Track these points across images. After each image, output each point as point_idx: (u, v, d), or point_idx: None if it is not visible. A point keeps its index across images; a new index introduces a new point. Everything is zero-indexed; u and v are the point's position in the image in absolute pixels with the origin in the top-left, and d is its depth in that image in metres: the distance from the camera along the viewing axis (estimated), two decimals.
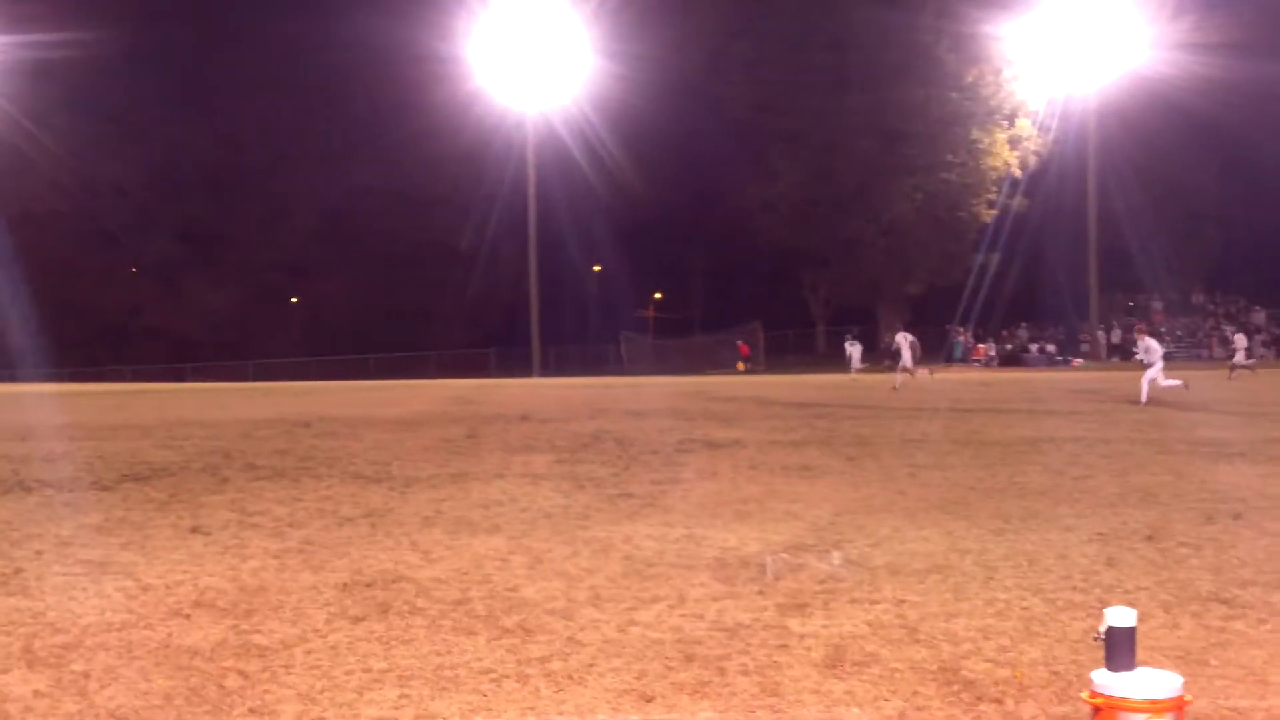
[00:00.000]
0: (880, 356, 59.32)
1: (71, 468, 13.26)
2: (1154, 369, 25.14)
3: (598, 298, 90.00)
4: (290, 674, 4.83)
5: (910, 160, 66.66)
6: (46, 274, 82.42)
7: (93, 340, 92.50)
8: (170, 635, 5.48)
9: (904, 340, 38.16)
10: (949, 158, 67.01)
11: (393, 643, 5.29)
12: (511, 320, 75.29)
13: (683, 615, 5.72)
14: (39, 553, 7.66)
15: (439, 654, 5.09)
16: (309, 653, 5.14)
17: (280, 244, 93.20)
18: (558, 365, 70.45)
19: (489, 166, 73.96)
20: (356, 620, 5.71)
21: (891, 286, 70.38)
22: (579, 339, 79.19)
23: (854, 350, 45.72)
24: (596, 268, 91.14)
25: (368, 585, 6.48)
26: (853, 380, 40.33)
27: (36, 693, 4.62)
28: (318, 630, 5.53)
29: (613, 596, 6.14)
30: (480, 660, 4.98)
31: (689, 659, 4.95)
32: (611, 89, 66.96)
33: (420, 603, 6.06)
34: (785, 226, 71.04)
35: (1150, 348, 25.55)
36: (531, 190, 69.42)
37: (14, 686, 4.71)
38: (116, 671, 4.90)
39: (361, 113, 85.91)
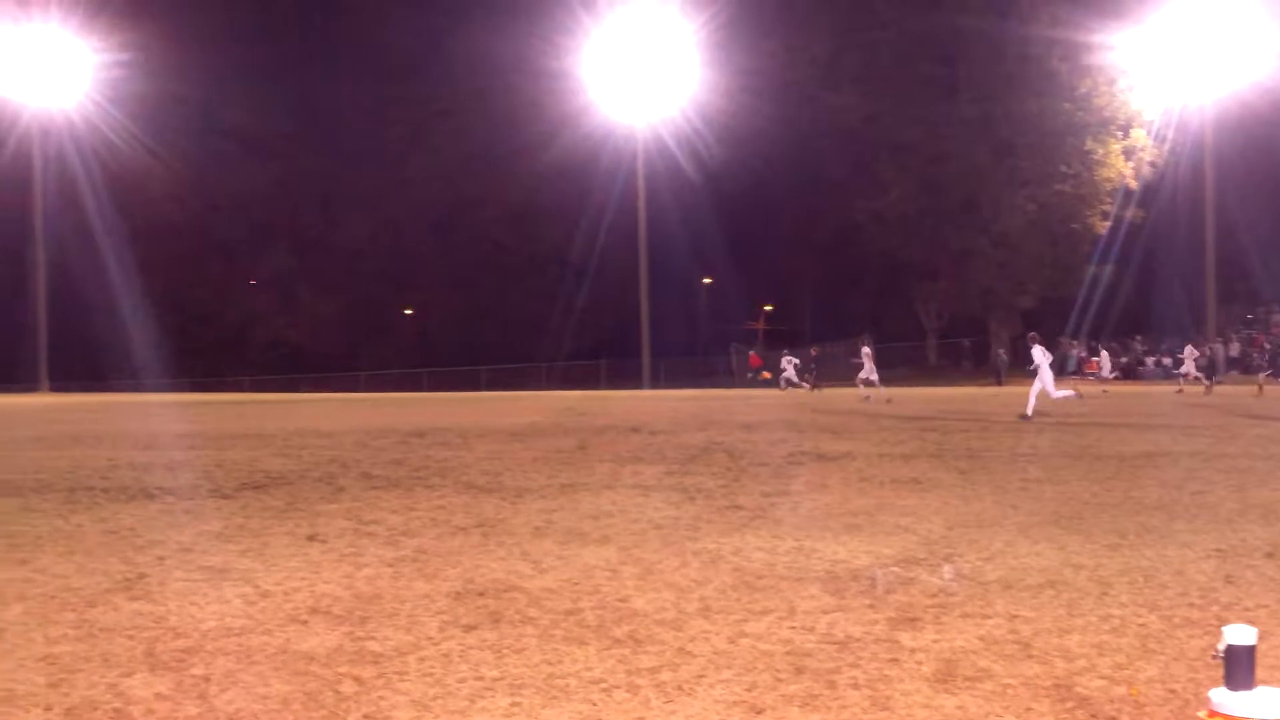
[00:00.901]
0: (991, 369, 58.62)
1: (192, 476, 13.51)
2: (1043, 378, 25.00)
3: (708, 309, 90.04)
4: (404, 680, 4.89)
5: (1022, 171, 65.89)
6: (168, 286, 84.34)
7: (212, 350, 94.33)
8: (288, 641, 5.57)
9: (867, 355, 39.32)
10: (1062, 169, 66.06)
11: (504, 651, 5.33)
12: (622, 332, 75.50)
13: (792, 628, 5.71)
14: (161, 559, 7.82)
15: (550, 663, 5.13)
16: (422, 660, 5.21)
17: (393, 256, 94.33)
18: (668, 377, 70.43)
19: (599, 178, 74.47)
20: (469, 629, 5.76)
21: (1003, 299, 69.53)
22: (689, 351, 79.19)
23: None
24: (707, 280, 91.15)
25: (480, 594, 6.54)
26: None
27: (158, 695, 4.73)
28: (431, 638, 5.59)
29: (722, 608, 6.14)
30: (591, 670, 5.01)
31: (799, 671, 4.93)
32: (720, 101, 67.09)
33: (531, 612, 6.10)
34: (894, 238, 70.61)
35: (1037, 356, 25.29)
36: (641, 202, 69.68)
37: (137, 689, 4.82)
38: (236, 676, 4.99)
39: (473, 125, 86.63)
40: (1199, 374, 44.24)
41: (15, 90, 67.84)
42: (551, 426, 22.66)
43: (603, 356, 78.46)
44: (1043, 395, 24.71)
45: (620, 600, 6.35)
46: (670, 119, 68.52)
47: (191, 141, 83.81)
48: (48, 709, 4.58)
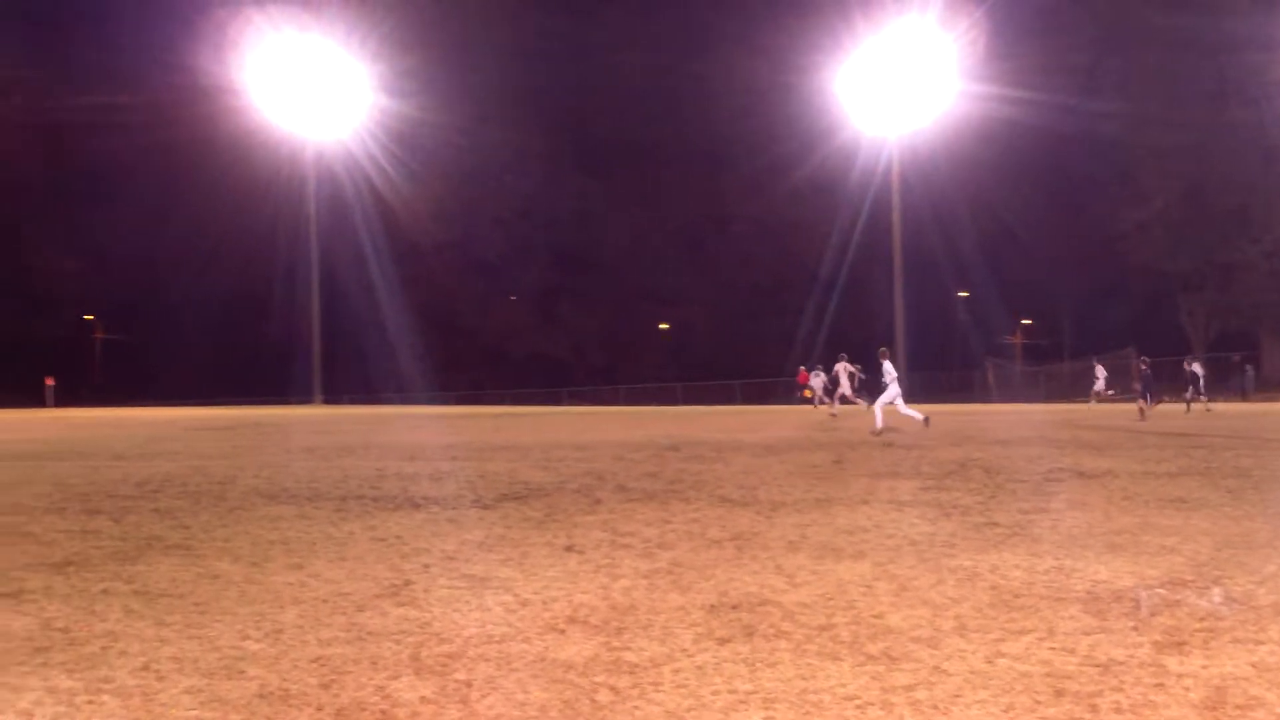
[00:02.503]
0: (1269, 382, 56.15)
1: (456, 486, 13.87)
2: (888, 395, 25.73)
3: (964, 323, 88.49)
4: (659, 691, 4.95)
5: None
6: (431, 302, 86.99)
7: (474, 364, 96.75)
8: (546, 649, 5.69)
9: (843, 370, 39.83)
10: None
11: (758, 665, 5.35)
12: (876, 346, 74.68)
13: (1052, 649, 5.58)
14: (426, 566, 8.07)
15: (803, 678, 5.12)
16: (677, 671, 5.26)
17: (649, 271, 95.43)
18: (924, 391, 69.47)
19: (851, 192, 73.90)
20: (723, 641, 5.79)
21: (1277, 311, 66.46)
22: (944, 365, 78.01)
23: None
24: (963, 293, 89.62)
25: (734, 607, 6.57)
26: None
27: (423, 699, 4.88)
28: (685, 650, 5.64)
29: (979, 626, 6.04)
30: (844, 686, 4.98)
31: (1059, 694, 4.82)
32: (976, 111, 65.91)
33: (785, 626, 6.10)
34: (1158, 248, 68.15)
35: (888, 372, 25.97)
36: (896, 216, 68.83)
37: (403, 692, 4.99)
38: (496, 682, 5.12)
39: (725, 137, 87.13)
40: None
41: (292, 119, 70.78)
42: (805, 441, 22.59)
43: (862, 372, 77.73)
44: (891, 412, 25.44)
45: (875, 616, 6.30)
46: (923, 130, 67.56)
47: (456, 160, 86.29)
48: (319, 709, 4.78)
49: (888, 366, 26.07)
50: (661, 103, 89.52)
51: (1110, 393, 45.60)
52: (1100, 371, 47.43)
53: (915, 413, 26.75)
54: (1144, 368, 38.03)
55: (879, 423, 25.22)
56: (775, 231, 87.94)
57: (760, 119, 79.74)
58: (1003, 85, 64.76)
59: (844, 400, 38.87)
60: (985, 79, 65.14)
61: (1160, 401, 38.45)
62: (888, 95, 65.96)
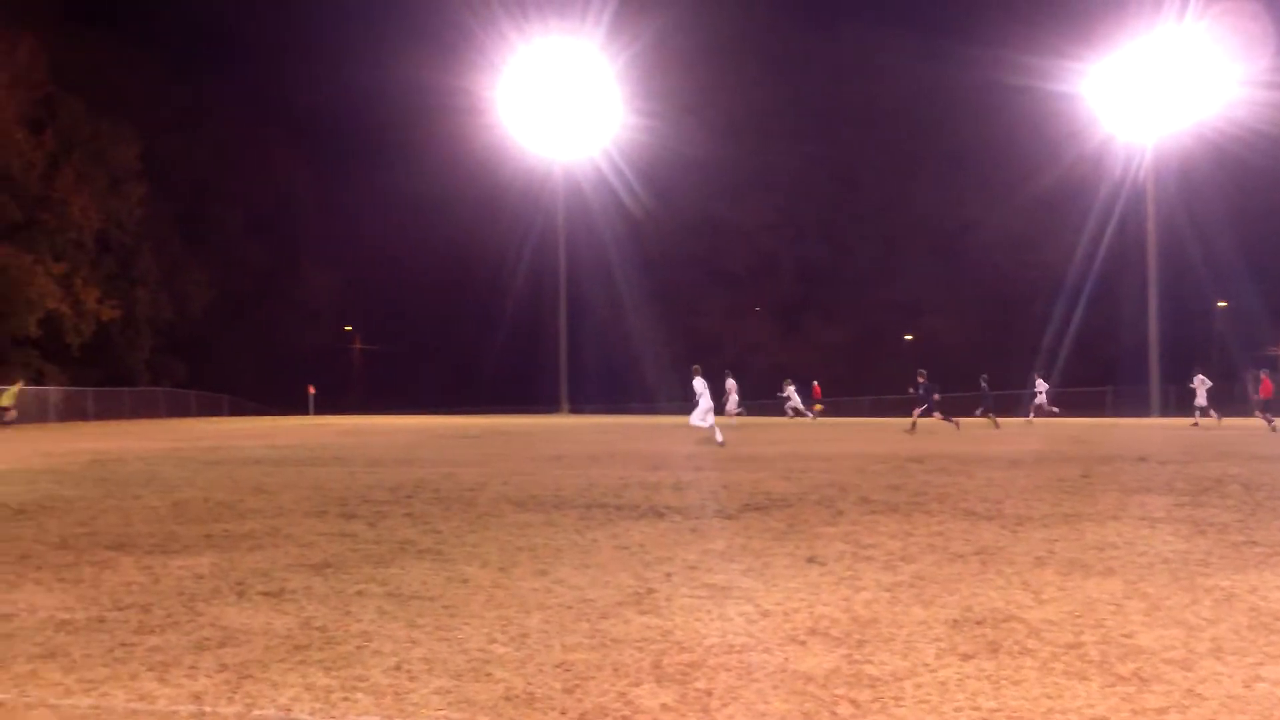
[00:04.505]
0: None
1: (698, 496, 13.95)
2: (700, 409, 26.74)
3: (1224, 333, 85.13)
4: (900, 706, 4.91)
5: None
6: (676, 313, 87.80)
7: (715, 376, 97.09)
8: (786, 660, 5.69)
9: (732, 386, 41.40)
10: None
11: (1002, 682, 5.26)
12: (1130, 358, 72.47)
13: None
14: (669, 575, 8.15)
15: (1049, 697, 5.02)
16: (918, 686, 5.21)
17: (894, 282, 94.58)
18: (1178, 404, 66.98)
19: (1102, 197, 71.82)
20: (966, 657, 5.72)
21: None
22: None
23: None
24: (1222, 303, 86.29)
25: (978, 623, 6.47)
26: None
27: (663, 706, 4.94)
28: (928, 665, 5.58)
29: (1236, 649, 5.82)
30: (1092, 707, 4.87)
31: None
32: (1242, 113, 63.26)
33: (1031, 643, 5.99)
34: None
35: (697, 388, 27.06)
36: (1151, 225, 66.44)
37: (644, 699, 5.06)
38: (736, 692, 5.15)
39: (972, 150, 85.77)
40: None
41: (541, 137, 72.27)
42: (1054, 454, 22.05)
43: (1108, 383, 75.52)
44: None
45: (1125, 636, 6.14)
46: (1182, 132, 65.05)
47: (702, 174, 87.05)
48: (562, 713, 4.88)
49: (697, 383, 27.37)
50: (906, 113, 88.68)
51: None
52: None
53: (718, 432, 27.03)
54: None
55: (717, 436, 26.38)
56: (1022, 240, 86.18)
57: (1006, 125, 78.32)
58: (1267, 87, 62.08)
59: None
60: (1248, 80, 62.54)
61: None
62: (1142, 98, 63.79)
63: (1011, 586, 7.58)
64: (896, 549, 9.27)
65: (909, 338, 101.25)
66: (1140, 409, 64.60)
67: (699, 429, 27.47)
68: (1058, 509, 12.15)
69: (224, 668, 5.65)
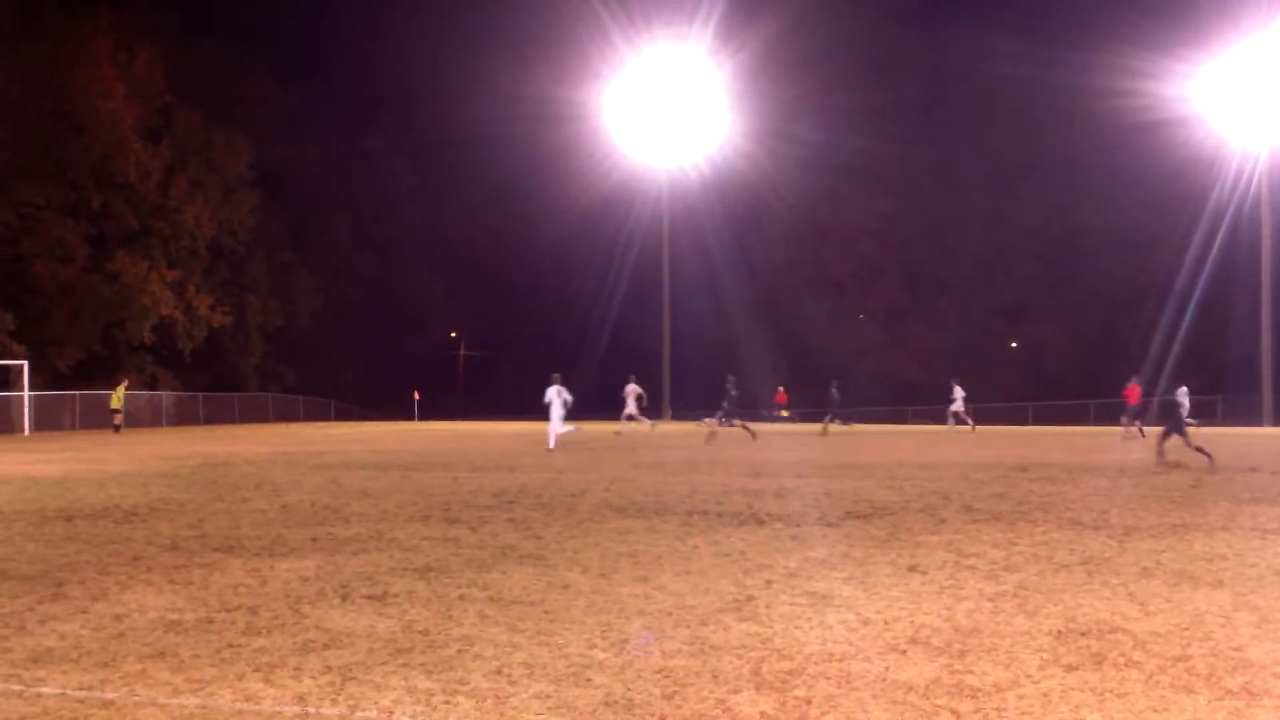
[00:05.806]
0: None
1: (800, 503, 13.91)
2: (552, 418, 27.61)
3: None
4: (1002, 717, 4.87)
5: None
6: (780, 319, 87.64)
7: (818, 383, 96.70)
8: (887, 669, 5.67)
9: (632, 391, 41.36)
10: None
11: (1107, 695, 5.20)
12: (1241, 365, 71.05)
13: None
14: (769, 582, 8.14)
15: (1155, 710, 4.95)
16: (1021, 697, 5.16)
17: (998, 288, 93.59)
18: None
19: (1209, 205, 70.49)
20: (1070, 669, 5.65)
21: None
22: None
23: None
24: None
25: (1082, 634, 6.40)
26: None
27: (763, 714, 4.94)
28: (1030, 676, 5.53)
29: None
30: None
31: None
32: None
33: (1137, 656, 5.90)
34: None
35: (550, 395, 27.76)
36: (1266, 230, 65.05)
37: (743, 706, 5.06)
38: (836, 700, 5.14)
39: (1077, 149, 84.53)
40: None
41: (646, 142, 72.33)
42: (1161, 464, 21.69)
43: (1218, 392, 74.15)
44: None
45: (1234, 649, 6.03)
46: None
47: (808, 180, 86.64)
48: (661, 719, 4.90)
49: (552, 391, 27.93)
50: (1014, 117, 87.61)
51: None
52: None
53: (558, 435, 27.80)
54: None
55: (551, 443, 27.36)
56: (1131, 244, 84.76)
57: (1114, 128, 77.07)
58: None
59: (629, 418, 39.54)
60: None
61: None
62: (1257, 101, 62.46)
63: (1117, 597, 7.47)
64: (999, 558, 9.18)
65: (1014, 345, 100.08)
66: (1252, 418, 63.32)
67: (565, 436, 28.20)
68: (1165, 519, 11.96)
69: (328, 669, 5.73)
